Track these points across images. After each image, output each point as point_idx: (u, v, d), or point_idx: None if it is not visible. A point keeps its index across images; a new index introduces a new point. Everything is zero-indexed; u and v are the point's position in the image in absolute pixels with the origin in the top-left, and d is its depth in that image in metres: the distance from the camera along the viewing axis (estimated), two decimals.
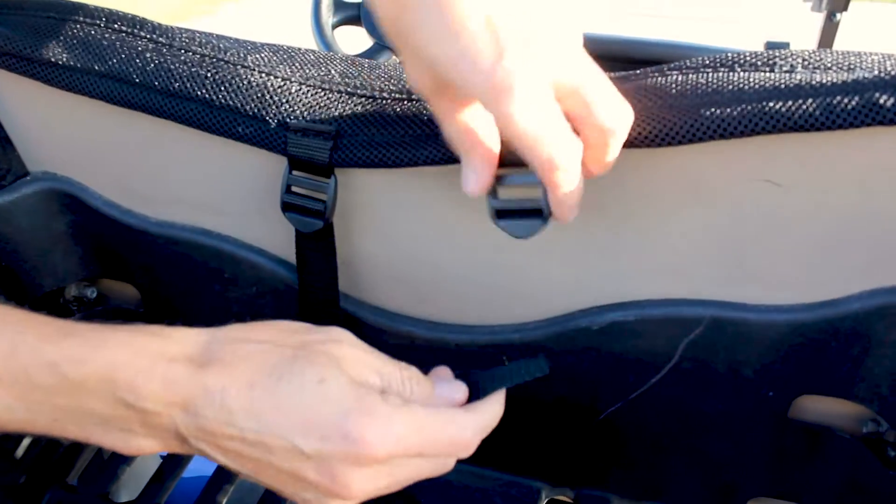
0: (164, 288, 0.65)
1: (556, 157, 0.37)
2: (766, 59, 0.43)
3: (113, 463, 0.72)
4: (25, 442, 0.70)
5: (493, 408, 0.44)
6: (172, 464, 0.72)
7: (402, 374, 0.42)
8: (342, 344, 0.41)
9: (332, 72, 0.51)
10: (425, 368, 0.63)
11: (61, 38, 0.51)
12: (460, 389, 0.44)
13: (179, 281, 0.63)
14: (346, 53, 1.10)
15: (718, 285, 0.50)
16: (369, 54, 1.11)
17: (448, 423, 0.40)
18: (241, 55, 0.50)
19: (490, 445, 0.68)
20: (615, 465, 0.64)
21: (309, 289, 0.57)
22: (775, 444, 0.58)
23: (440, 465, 0.42)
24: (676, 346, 0.53)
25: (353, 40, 1.16)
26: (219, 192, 0.56)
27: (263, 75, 0.49)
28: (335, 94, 0.49)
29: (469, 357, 0.59)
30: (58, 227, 0.63)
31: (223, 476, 0.71)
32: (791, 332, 0.50)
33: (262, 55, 0.50)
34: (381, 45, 1.12)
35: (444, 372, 0.46)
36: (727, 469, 0.60)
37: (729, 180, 0.45)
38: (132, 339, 0.38)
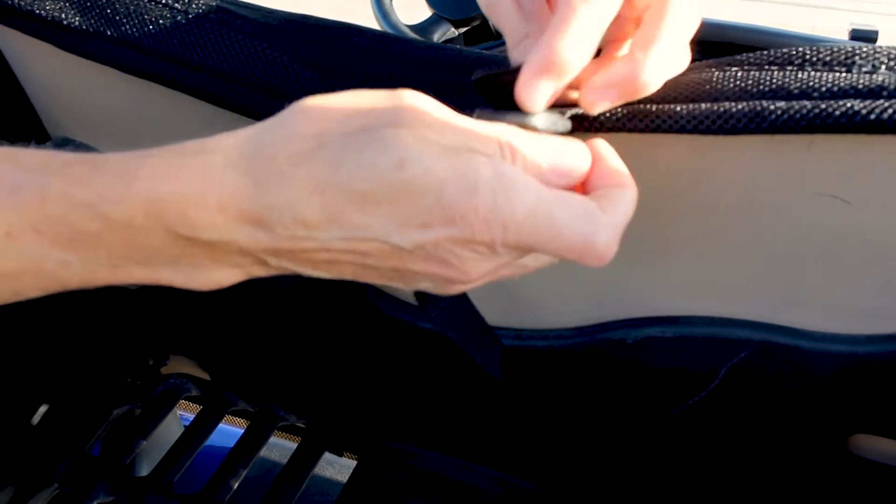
0: None
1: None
2: (843, 57, 0.37)
3: (131, 435, 0.71)
4: (42, 409, 0.69)
5: (628, 196, 0.35)
6: (191, 438, 0.71)
7: (500, 140, 0.33)
8: (416, 109, 0.32)
9: (357, 47, 0.47)
10: (446, 369, 0.60)
11: (76, 0, 0.48)
12: (584, 155, 0.35)
13: None
14: (402, 24, 1.06)
15: (770, 307, 0.45)
16: (425, 25, 1.07)
17: (580, 220, 0.32)
18: (259, 27, 0.47)
19: (513, 453, 0.65)
20: (647, 486, 0.60)
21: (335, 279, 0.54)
22: (826, 480, 0.52)
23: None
24: (719, 370, 0.48)
25: (414, 10, 1.12)
26: None
27: (280, 50, 0.46)
28: (349, 77, 0.46)
29: None
30: None
31: (241, 451, 0.69)
32: (849, 364, 0.45)
33: (281, 28, 0.47)
34: (439, 17, 1.08)
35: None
36: (768, 502, 0.55)
37: (790, 192, 0.40)
38: (169, 164, 0.31)
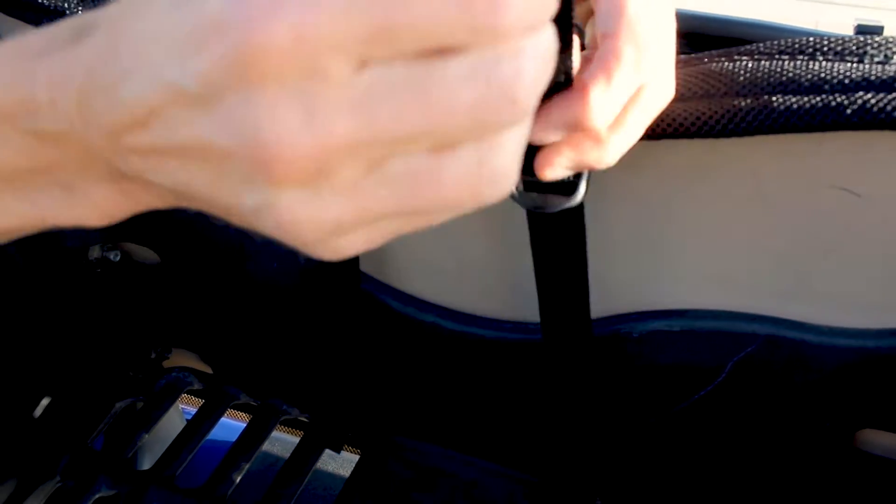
0: (182, 255, 0.62)
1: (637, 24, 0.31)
2: (854, 47, 0.37)
3: (133, 428, 0.71)
4: (44, 402, 0.69)
5: None
6: (193, 431, 0.71)
7: None
8: None
9: None
10: (450, 364, 0.59)
11: None
12: None
13: (198, 249, 0.61)
14: None
15: (777, 301, 0.45)
16: None
17: None
18: None
19: (513, 445, 0.65)
20: (651, 480, 0.60)
21: (329, 267, 0.53)
22: (833, 475, 0.52)
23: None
24: (725, 363, 0.48)
25: None
26: None
27: None
28: None
29: (497, 354, 0.55)
30: None
31: (243, 444, 0.69)
32: (857, 359, 0.44)
33: None
34: None
35: None
36: (774, 497, 0.55)
37: (798, 186, 0.40)
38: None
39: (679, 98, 0.37)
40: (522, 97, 0.20)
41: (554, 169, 0.33)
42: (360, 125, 0.19)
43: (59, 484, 0.68)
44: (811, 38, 0.38)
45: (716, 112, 0.37)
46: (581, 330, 0.46)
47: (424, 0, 0.18)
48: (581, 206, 0.40)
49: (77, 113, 0.23)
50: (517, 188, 0.38)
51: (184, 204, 0.25)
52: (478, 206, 0.22)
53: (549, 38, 0.21)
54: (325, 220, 0.21)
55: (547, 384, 0.54)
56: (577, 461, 0.59)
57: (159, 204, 0.26)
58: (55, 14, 0.49)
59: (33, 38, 0.24)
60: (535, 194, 0.38)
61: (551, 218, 0.41)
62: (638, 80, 0.33)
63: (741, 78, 0.38)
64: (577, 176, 0.37)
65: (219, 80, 0.19)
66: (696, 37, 1.01)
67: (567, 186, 0.37)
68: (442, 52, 0.19)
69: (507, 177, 0.21)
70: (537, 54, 0.20)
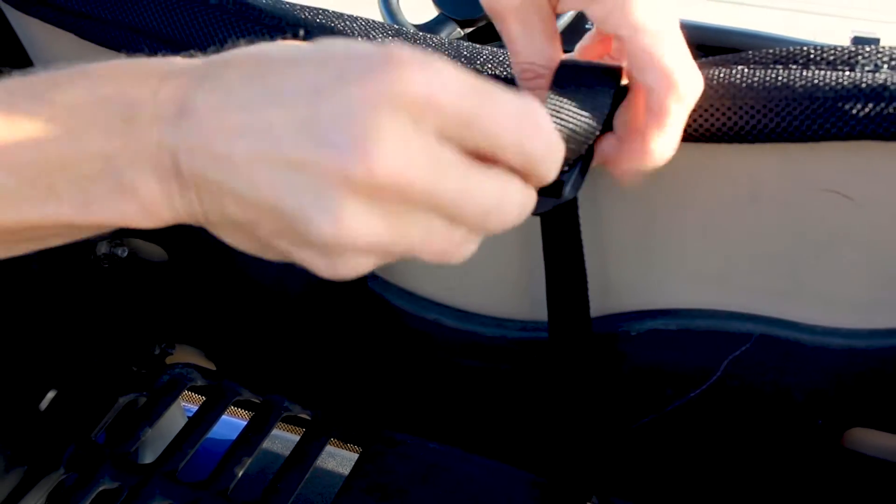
0: (189, 252, 0.63)
1: (679, 72, 0.34)
2: (846, 56, 0.38)
3: (136, 423, 0.72)
4: (50, 395, 0.70)
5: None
6: (195, 426, 0.72)
7: None
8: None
9: (375, 41, 0.48)
10: (451, 361, 0.61)
11: None
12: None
13: (205, 246, 0.62)
14: (409, 23, 1.07)
15: (771, 301, 0.46)
16: (432, 25, 1.08)
17: (516, 93, 0.28)
18: (279, 18, 0.48)
19: (514, 442, 0.66)
20: (646, 477, 0.61)
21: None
22: (823, 473, 0.53)
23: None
24: (720, 362, 0.49)
25: (419, 10, 1.13)
26: None
27: (299, 41, 0.47)
28: None
29: (499, 353, 0.56)
30: None
31: (245, 440, 0.70)
32: (848, 358, 0.46)
33: (302, 20, 0.48)
34: (445, 17, 1.09)
35: None
36: (768, 495, 0.56)
37: (793, 188, 0.41)
38: (127, 62, 0.30)
39: None
40: (508, 212, 0.30)
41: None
42: (428, 176, 0.27)
43: (64, 475, 0.69)
44: (804, 48, 0.39)
45: (712, 120, 0.39)
46: (583, 326, 0.48)
47: (500, 116, 0.27)
48: (575, 202, 0.42)
49: (171, 126, 0.28)
50: None
51: (211, 219, 0.30)
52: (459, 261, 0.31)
53: (530, 190, 0.31)
54: (366, 237, 0.27)
55: (549, 381, 0.55)
56: (577, 458, 0.60)
57: (186, 218, 0.30)
58: (72, 13, 0.50)
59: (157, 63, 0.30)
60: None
61: (546, 216, 0.43)
62: (681, 110, 0.36)
63: (737, 83, 0.39)
64: (562, 174, 0.38)
65: (353, 105, 0.26)
66: (694, 47, 1.02)
67: (553, 188, 0.38)
68: (488, 159, 0.28)
69: (465, 256, 0.31)
70: (525, 196, 0.30)
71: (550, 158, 0.30)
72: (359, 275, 0.30)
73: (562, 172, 0.37)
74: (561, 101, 0.36)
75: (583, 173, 0.38)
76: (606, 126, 0.38)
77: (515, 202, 0.30)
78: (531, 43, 0.38)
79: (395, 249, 0.29)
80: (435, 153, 0.27)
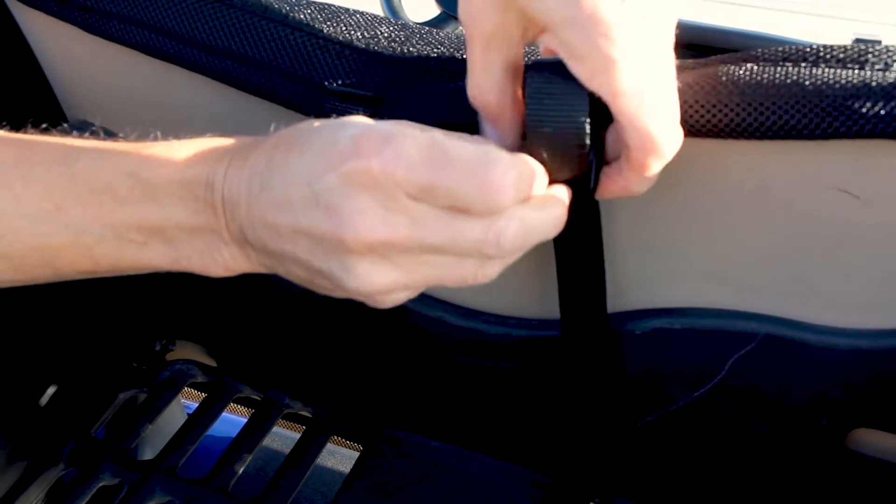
0: None
1: (659, 135, 0.34)
2: (856, 55, 0.38)
3: (136, 419, 0.72)
4: (50, 391, 0.69)
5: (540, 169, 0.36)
6: (195, 423, 0.71)
7: None
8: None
9: (379, 35, 0.48)
10: (453, 359, 0.60)
11: None
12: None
13: None
14: (411, 21, 1.07)
15: (777, 301, 0.46)
16: (434, 23, 1.07)
17: (477, 150, 0.33)
18: (283, 12, 0.47)
19: (517, 441, 0.66)
20: (649, 477, 0.61)
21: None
22: (826, 474, 0.53)
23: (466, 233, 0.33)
24: (724, 362, 0.49)
25: (422, 8, 1.13)
26: None
27: (304, 35, 0.46)
28: (379, 57, 0.46)
29: (502, 351, 0.56)
30: None
31: (246, 437, 0.69)
32: (854, 358, 0.45)
33: (306, 13, 0.48)
34: (448, 15, 1.09)
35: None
36: (771, 495, 0.56)
37: (799, 187, 0.41)
38: (200, 142, 0.37)
39: (685, 100, 0.39)
40: (504, 244, 0.33)
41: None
42: (411, 232, 0.33)
43: (64, 471, 0.69)
44: (814, 46, 0.39)
45: (721, 116, 0.39)
46: (599, 323, 0.48)
47: (455, 178, 0.32)
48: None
49: (245, 194, 0.34)
50: None
51: (279, 271, 0.37)
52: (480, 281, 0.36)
53: (536, 213, 0.35)
54: (382, 283, 0.34)
55: (559, 380, 0.55)
56: (582, 458, 0.60)
57: (262, 269, 0.38)
58: (76, 6, 0.50)
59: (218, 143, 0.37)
60: None
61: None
62: (660, 164, 0.37)
63: (746, 80, 0.39)
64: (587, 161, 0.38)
65: (333, 188, 0.32)
66: (700, 48, 1.02)
67: (581, 181, 0.38)
68: (464, 211, 0.33)
69: (490, 278, 0.36)
70: (522, 223, 0.34)
71: (526, 191, 0.34)
72: (401, 302, 0.36)
73: (586, 159, 0.37)
74: (538, 112, 0.36)
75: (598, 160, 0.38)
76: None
77: (521, 233, 0.34)
78: (488, 74, 0.37)
79: (418, 286, 0.35)
80: (411, 212, 0.32)
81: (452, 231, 0.33)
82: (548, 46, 0.38)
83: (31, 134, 0.38)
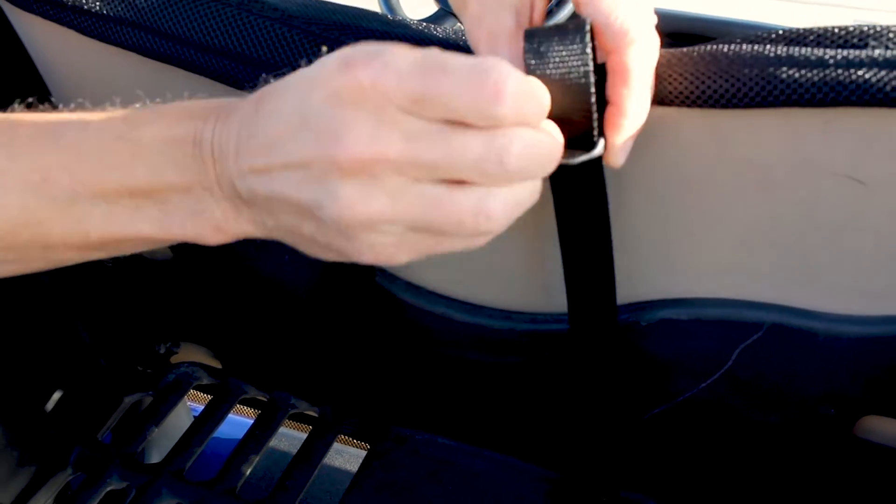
0: (194, 250, 0.63)
1: (634, 33, 0.35)
2: (857, 37, 0.38)
3: (142, 422, 0.72)
4: (56, 396, 0.69)
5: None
6: (202, 425, 0.71)
7: None
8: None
9: (377, 33, 0.47)
10: (459, 356, 0.60)
11: None
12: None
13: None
14: (409, 18, 1.07)
15: (783, 289, 0.45)
16: (432, 20, 1.07)
17: (471, 60, 0.30)
18: (279, 10, 0.47)
19: (525, 436, 0.66)
20: (658, 470, 0.60)
21: (343, 261, 0.54)
22: (835, 463, 0.53)
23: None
24: (731, 351, 0.49)
25: (418, 6, 1.12)
26: None
27: (300, 32, 0.46)
28: None
29: (508, 346, 0.56)
30: None
31: (252, 438, 0.69)
32: (861, 346, 0.45)
33: (302, 11, 0.47)
34: (445, 11, 1.08)
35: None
36: (780, 485, 0.56)
37: (805, 173, 0.41)
38: (192, 104, 0.36)
39: (683, 72, 0.38)
40: (508, 163, 0.30)
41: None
42: (404, 147, 0.30)
43: (72, 476, 0.69)
44: (815, 29, 0.39)
45: (720, 83, 0.38)
46: (608, 314, 0.47)
47: (449, 86, 0.29)
48: (601, 167, 0.41)
49: (234, 144, 0.33)
50: None
51: (270, 225, 0.35)
52: (480, 238, 0.34)
53: (538, 134, 0.32)
54: (366, 211, 0.31)
55: (567, 373, 0.55)
56: (588, 452, 0.60)
57: (252, 228, 0.36)
58: (72, 10, 0.49)
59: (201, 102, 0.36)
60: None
61: (574, 184, 0.41)
62: (643, 67, 0.36)
63: (744, 57, 0.38)
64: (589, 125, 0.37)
65: (322, 110, 0.31)
66: (694, 37, 1.02)
67: (583, 139, 0.37)
68: (461, 124, 0.30)
69: (498, 220, 0.32)
70: (525, 140, 0.31)
71: (528, 109, 0.31)
72: (387, 258, 0.33)
73: (589, 124, 0.36)
74: (539, 46, 0.35)
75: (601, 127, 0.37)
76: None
77: (525, 153, 0.31)
78: (497, 15, 0.38)
79: (405, 222, 0.32)
80: (404, 126, 0.30)
81: (449, 146, 0.30)
82: None
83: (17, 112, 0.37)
